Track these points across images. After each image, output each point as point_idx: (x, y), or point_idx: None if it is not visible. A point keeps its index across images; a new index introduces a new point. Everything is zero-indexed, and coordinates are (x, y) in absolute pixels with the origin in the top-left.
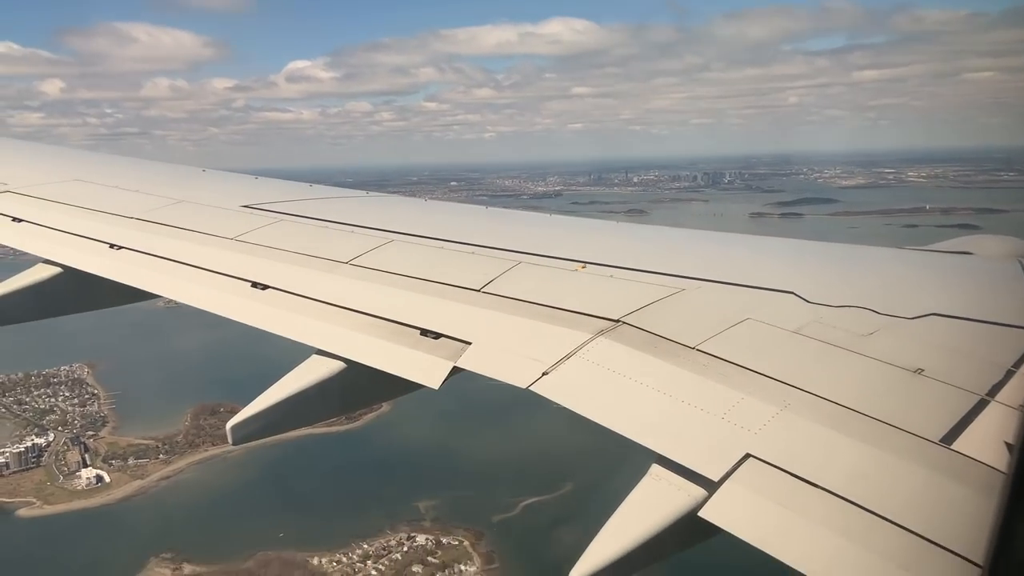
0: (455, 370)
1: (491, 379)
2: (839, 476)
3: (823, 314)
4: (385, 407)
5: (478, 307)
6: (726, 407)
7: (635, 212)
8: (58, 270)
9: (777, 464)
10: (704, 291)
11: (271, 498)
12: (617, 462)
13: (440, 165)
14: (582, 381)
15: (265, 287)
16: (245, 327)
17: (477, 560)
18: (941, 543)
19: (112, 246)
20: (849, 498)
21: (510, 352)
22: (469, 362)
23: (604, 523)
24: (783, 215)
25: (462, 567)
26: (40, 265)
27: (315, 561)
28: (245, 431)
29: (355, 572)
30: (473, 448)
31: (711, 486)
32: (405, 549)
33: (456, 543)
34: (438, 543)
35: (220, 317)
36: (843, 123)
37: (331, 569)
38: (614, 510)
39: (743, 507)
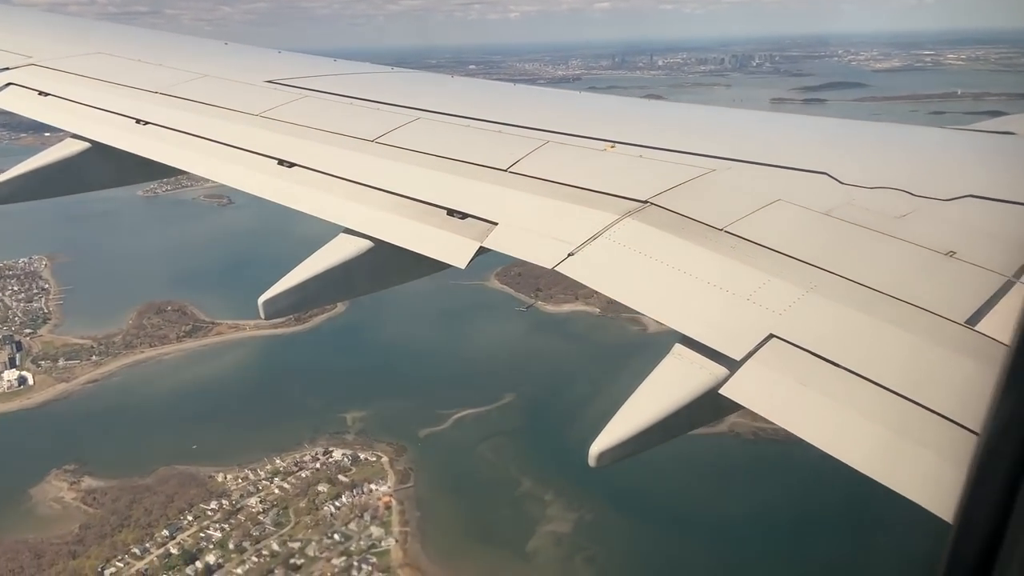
0: (481, 250)
1: (514, 256)
2: (862, 356)
3: (856, 196)
4: (340, 308)
5: (505, 187)
6: (752, 289)
7: (652, 98)
8: (86, 145)
9: (800, 344)
10: (735, 172)
11: (196, 405)
12: (568, 372)
13: (460, 47)
14: (608, 262)
15: (291, 165)
16: (216, 225)
17: (391, 478)
18: (960, 422)
19: (138, 121)
20: (870, 377)
21: (536, 232)
22: (495, 242)
23: (537, 439)
24: (806, 100)
25: (372, 486)
26: (69, 140)
27: (219, 477)
28: (275, 307)
29: (258, 490)
30: (422, 354)
31: (733, 365)
32: (318, 466)
33: (374, 459)
34: (355, 459)
35: (201, 208)
36: (887, 1)
37: (233, 486)
38: (551, 425)
39: (764, 385)
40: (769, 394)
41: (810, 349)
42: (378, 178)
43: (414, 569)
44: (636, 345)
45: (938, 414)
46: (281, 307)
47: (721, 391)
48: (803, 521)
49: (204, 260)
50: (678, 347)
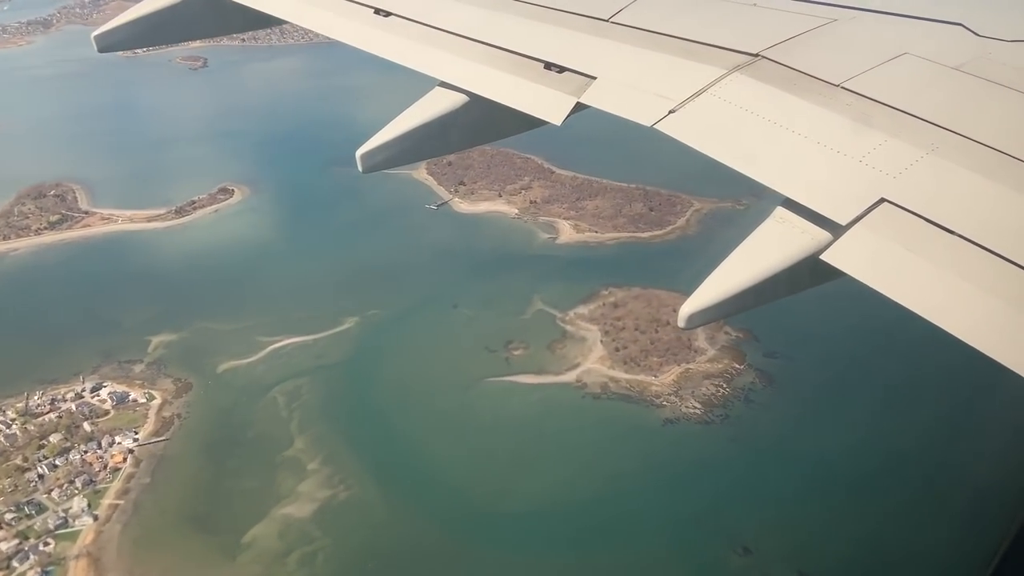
0: (579, 106)
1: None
2: (981, 224)
3: (993, 49)
4: (237, 196)
5: (605, 38)
6: (866, 150)
7: None
8: None
9: (913, 210)
10: (859, 21)
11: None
12: (438, 291)
13: None
14: (711, 120)
15: (388, 14)
16: (170, 92)
17: (148, 428)
18: None
19: None
20: (990, 247)
21: (636, 88)
22: (593, 98)
23: (350, 383)
24: None
25: (117, 439)
26: None
27: None
28: (372, 161)
29: None
30: (288, 261)
31: (838, 230)
32: (72, 407)
33: (143, 401)
34: (121, 399)
35: (170, 71)
36: None
37: None
38: (373, 365)
39: (869, 252)
40: (875, 262)
41: (925, 216)
42: (475, 29)
43: (91, 561)
44: (534, 257)
45: None
46: (377, 161)
47: (822, 257)
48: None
49: (127, 135)
50: (780, 210)
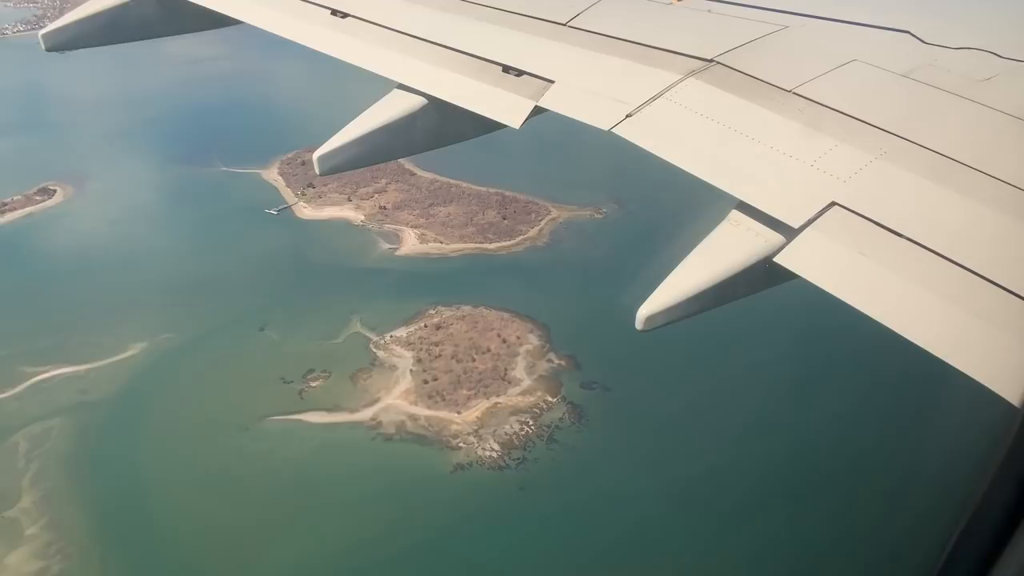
0: (537, 110)
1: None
2: (929, 228)
3: (939, 56)
4: (57, 197)
5: (563, 43)
6: (817, 154)
7: None
8: None
9: (863, 213)
10: (809, 29)
11: None
12: (245, 310)
13: None
14: (667, 124)
15: (345, 15)
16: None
17: None
18: None
19: None
20: (938, 251)
21: (594, 92)
22: (551, 101)
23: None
24: None
25: None
26: None
27: None
28: (330, 163)
29: None
30: (96, 274)
31: (790, 233)
32: None
33: None
34: None
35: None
36: None
37: None
38: (148, 404)
39: (821, 254)
40: (826, 264)
41: (875, 219)
42: (433, 31)
43: None
44: (366, 271)
45: (1012, 292)
46: (336, 163)
47: (776, 259)
48: None
49: None
50: (734, 213)
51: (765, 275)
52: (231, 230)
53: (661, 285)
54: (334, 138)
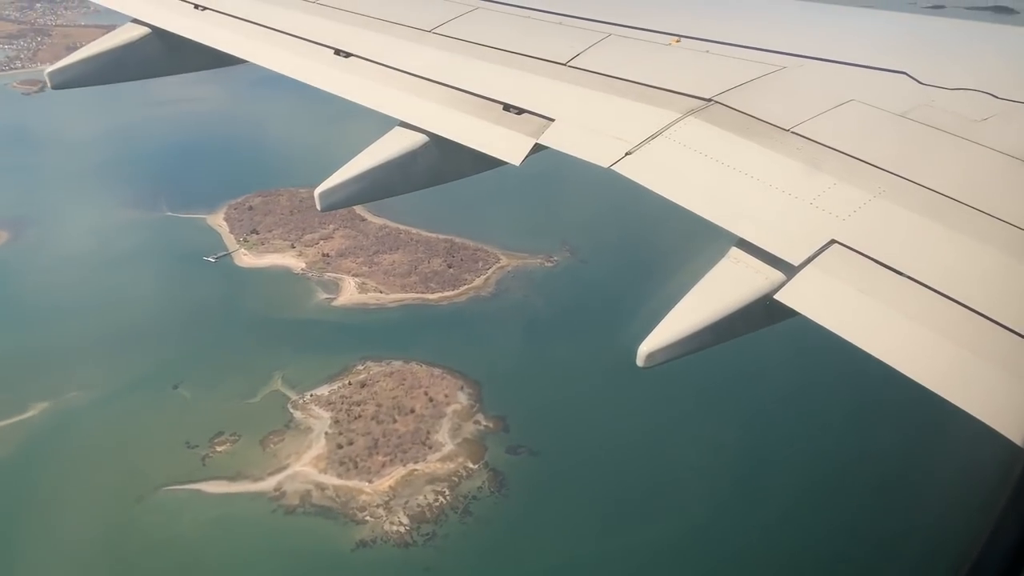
0: (537, 147)
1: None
2: (929, 266)
3: (936, 97)
4: None
5: (563, 82)
6: (816, 193)
7: None
8: (146, 31)
9: (863, 251)
10: (806, 69)
11: None
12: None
13: None
14: (666, 162)
15: (348, 55)
16: None
17: None
18: None
19: (197, 7)
20: (938, 288)
21: (593, 130)
22: (551, 139)
23: None
24: None
25: None
26: (129, 24)
27: None
28: (331, 199)
29: None
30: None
31: (791, 271)
32: None
33: None
34: None
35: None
36: None
37: None
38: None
39: (821, 292)
40: (827, 302)
41: (874, 257)
42: (435, 70)
43: None
44: (298, 323)
45: (1011, 330)
46: (337, 199)
47: (776, 297)
48: None
49: None
50: (734, 251)
51: (765, 313)
52: (164, 279)
53: (662, 322)
54: (335, 175)
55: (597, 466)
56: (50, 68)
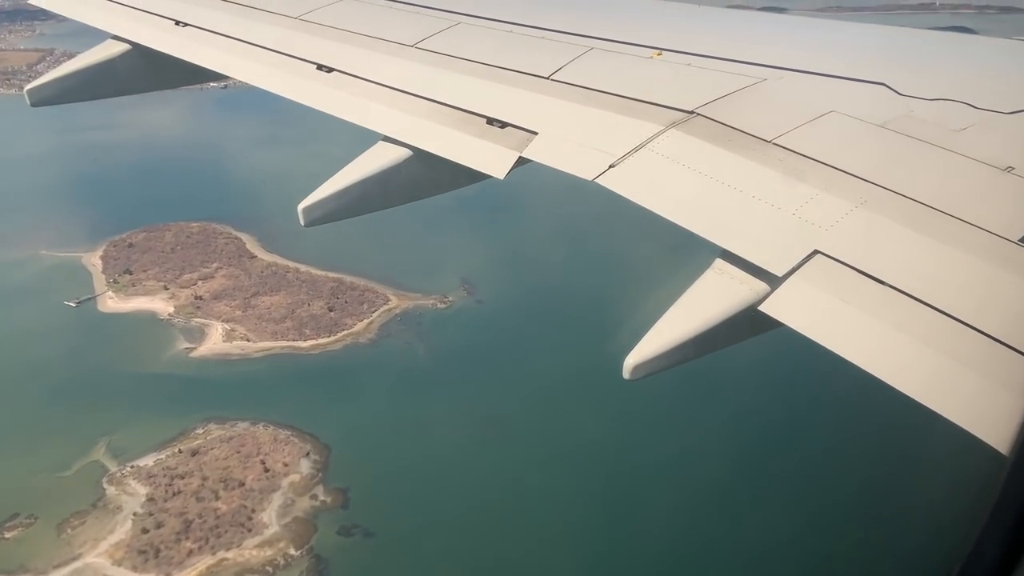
0: (520, 160)
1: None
2: (911, 275)
3: (915, 107)
4: None
5: (546, 95)
6: (798, 203)
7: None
8: (126, 47)
9: (846, 261)
10: (787, 81)
11: None
12: None
13: None
14: (650, 175)
15: (330, 70)
16: None
17: None
18: (1012, 344)
19: (178, 23)
20: (919, 297)
21: (577, 143)
22: (535, 153)
23: None
24: (762, 8)
25: None
26: (110, 41)
27: None
28: (314, 215)
29: None
30: None
31: (775, 281)
32: None
33: None
34: None
35: None
36: None
37: None
38: None
39: (806, 303)
40: (811, 312)
41: (857, 267)
42: (417, 85)
43: None
44: (146, 378)
45: (992, 337)
46: (319, 215)
47: (761, 307)
48: None
49: None
50: (719, 262)
51: (749, 323)
52: (12, 328)
53: (648, 334)
54: (318, 190)
55: (438, 550)
56: (29, 85)
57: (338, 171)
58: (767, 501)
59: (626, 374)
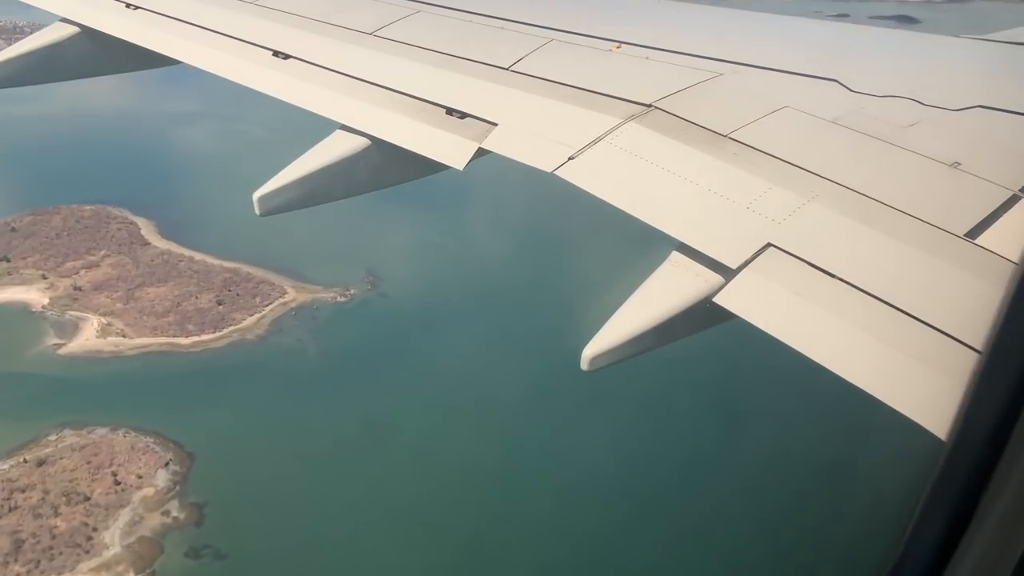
0: (480, 151)
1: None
2: (859, 268)
3: (866, 104)
4: None
5: (506, 86)
6: (752, 197)
7: None
8: (75, 30)
9: (798, 254)
10: (742, 76)
11: None
12: None
13: None
14: (608, 167)
15: (287, 56)
16: None
17: None
18: (960, 338)
19: (128, 6)
20: (867, 289)
21: (536, 135)
22: (494, 144)
23: None
24: None
25: None
26: (58, 24)
27: None
28: (270, 204)
29: None
30: None
31: (729, 274)
32: None
33: None
34: None
35: None
36: None
37: None
38: None
39: (759, 295)
40: (764, 304)
41: (808, 260)
42: (376, 73)
43: None
44: (6, 377)
45: (937, 329)
46: (276, 204)
47: (715, 299)
48: None
49: None
50: (675, 255)
51: (705, 315)
52: None
53: (605, 325)
54: (274, 179)
55: (292, 574)
56: None
57: (284, 158)
58: (651, 513)
59: (584, 365)
